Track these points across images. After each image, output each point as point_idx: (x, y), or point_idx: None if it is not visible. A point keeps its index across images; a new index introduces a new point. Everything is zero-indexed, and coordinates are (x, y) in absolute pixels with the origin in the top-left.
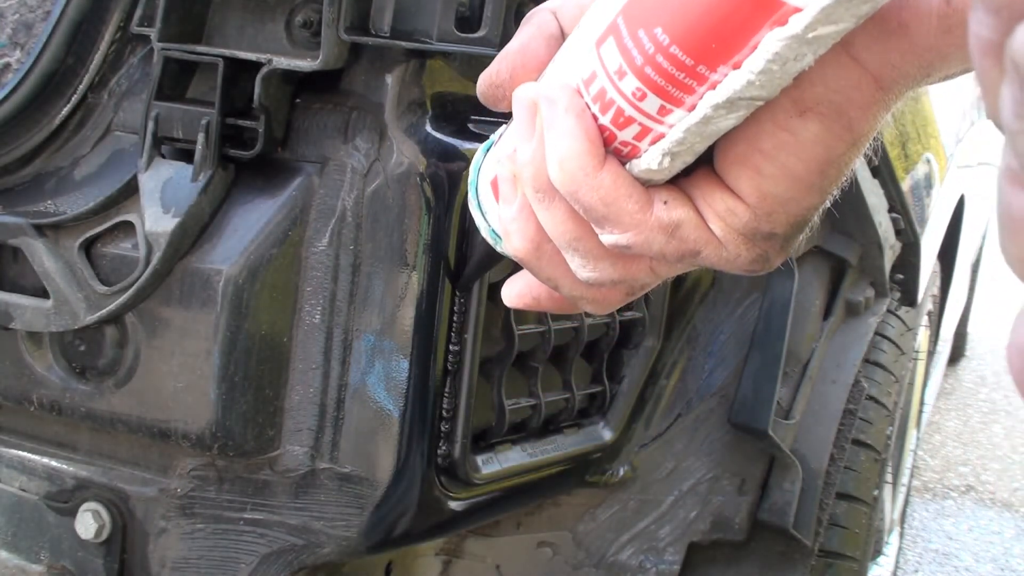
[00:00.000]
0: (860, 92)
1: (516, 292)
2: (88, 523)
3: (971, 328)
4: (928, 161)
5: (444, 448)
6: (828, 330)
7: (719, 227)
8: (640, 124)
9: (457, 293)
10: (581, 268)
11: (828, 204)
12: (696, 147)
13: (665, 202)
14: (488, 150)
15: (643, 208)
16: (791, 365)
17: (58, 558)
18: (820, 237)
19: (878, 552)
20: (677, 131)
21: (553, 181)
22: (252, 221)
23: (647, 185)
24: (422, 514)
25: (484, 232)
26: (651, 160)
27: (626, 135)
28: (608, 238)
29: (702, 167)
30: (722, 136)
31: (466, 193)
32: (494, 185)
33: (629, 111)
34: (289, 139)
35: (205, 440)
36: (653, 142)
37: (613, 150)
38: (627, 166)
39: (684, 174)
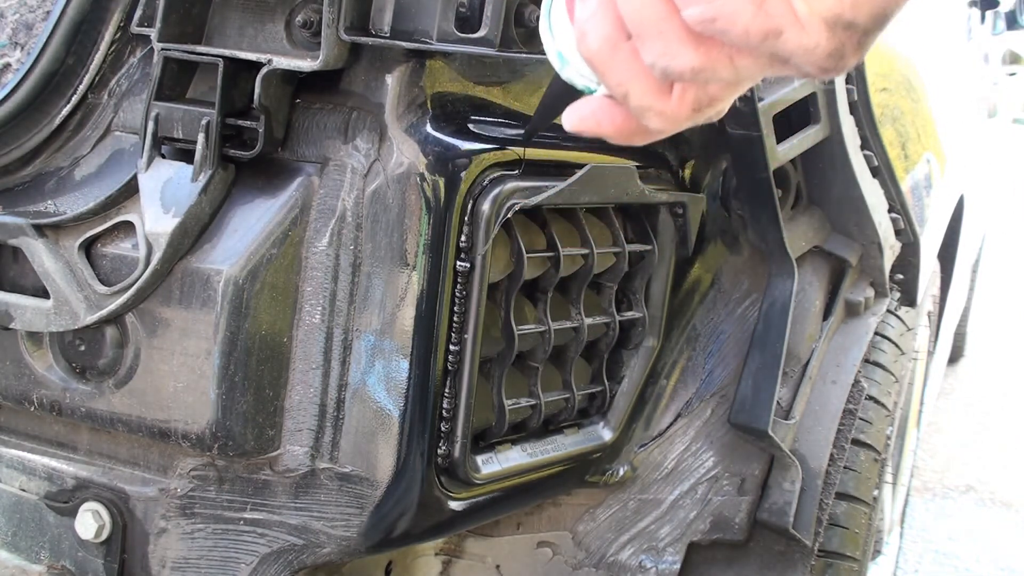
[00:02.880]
0: None
1: (579, 115)
2: (88, 523)
3: (971, 328)
4: (928, 161)
5: (444, 448)
6: (828, 330)
7: (804, 8)
8: None
9: (458, 291)
10: (660, 57)
11: (908, 2)
12: None
13: None
14: None
15: None
16: (791, 365)
17: (58, 558)
18: (820, 237)
19: (878, 552)
20: None
21: None
22: (252, 221)
23: None
24: (422, 514)
25: (551, 56)
26: None
27: None
28: (694, 11)
29: None
30: None
31: (466, 192)
32: (569, 1)
33: None
34: (289, 139)
35: (205, 440)
36: None
37: None
38: None
39: None
